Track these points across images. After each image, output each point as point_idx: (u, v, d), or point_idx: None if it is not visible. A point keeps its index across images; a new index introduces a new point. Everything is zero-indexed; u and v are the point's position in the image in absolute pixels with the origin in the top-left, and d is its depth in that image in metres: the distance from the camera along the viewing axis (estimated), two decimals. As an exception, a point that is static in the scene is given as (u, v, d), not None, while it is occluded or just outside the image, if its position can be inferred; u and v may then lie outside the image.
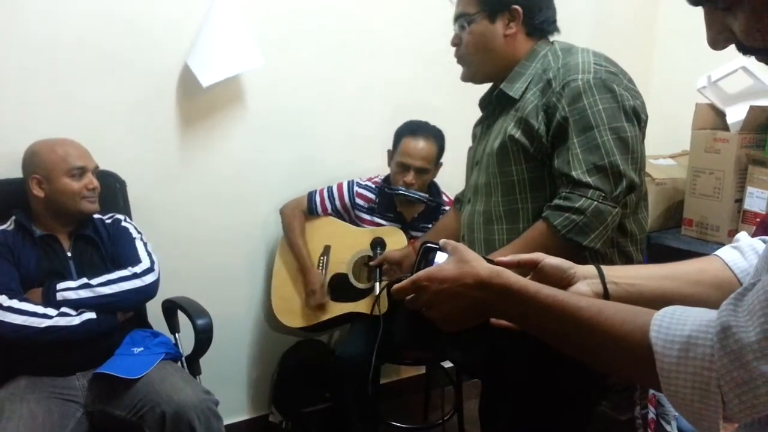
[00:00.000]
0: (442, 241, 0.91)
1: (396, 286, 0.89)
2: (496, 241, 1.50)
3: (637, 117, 1.41)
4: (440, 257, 0.91)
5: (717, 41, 0.64)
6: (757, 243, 0.89)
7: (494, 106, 1.59)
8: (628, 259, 1.48)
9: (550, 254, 0.98)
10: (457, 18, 1.54)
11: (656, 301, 0.72)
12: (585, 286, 0.91)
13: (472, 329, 0.87)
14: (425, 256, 0.93)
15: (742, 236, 0.93)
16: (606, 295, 0.90)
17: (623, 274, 0.93)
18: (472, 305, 0.83)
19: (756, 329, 0.59)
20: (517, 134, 1.44)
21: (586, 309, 0.74)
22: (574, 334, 0.76)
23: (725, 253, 0.91)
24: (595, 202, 1.33)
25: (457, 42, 1.56)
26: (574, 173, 1.35)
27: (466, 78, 1.61)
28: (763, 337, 0.59)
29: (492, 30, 1.50)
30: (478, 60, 1.54)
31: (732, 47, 0.66)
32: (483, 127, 1.65)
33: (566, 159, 1.37)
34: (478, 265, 0.84)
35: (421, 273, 0.87)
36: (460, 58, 1.57)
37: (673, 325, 0.66)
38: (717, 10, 0.62)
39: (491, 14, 1.49)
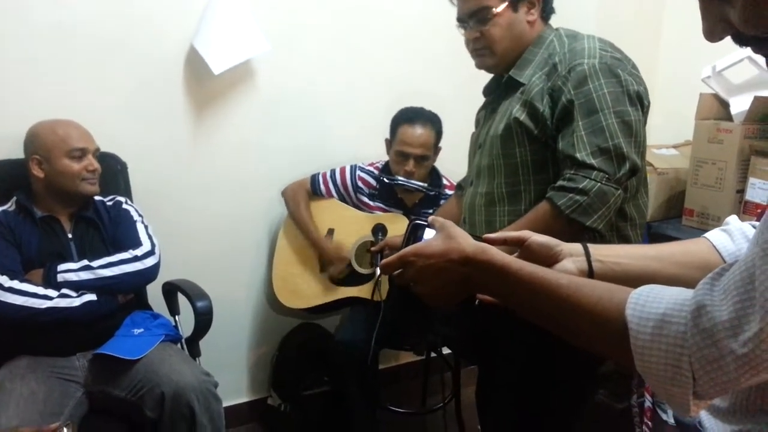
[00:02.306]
0: (430, 218, 0.93)
1: (384, 261, 0.91)
2: (497, 223, 1.52)
3: (641, 102, 1.44)
4: (428, 234, 0.92)
5: (713, 32, 0.63)
6: (747, 227, 0.89)
7: (500, 91, 1.60)
8: (627, 243, 1.49)
9: (553, 235, 0.98)
10: (474, 13, 1.52)
11: (641, 280, 0.73)
12: (570, 263, 0.92)
13: (458, 304, 0.89)
14: (414, 233, 0.94)
15: (732, 219, 0.93)
16: (591, 273, 0.91)
17: (609, 253, 0.93)
18: (457, 280, 0.85)
19: (729, 308, 0.60)
20: (522, 116, 1.46)
21: (565, 286, 0.75)
22: (553, 310, 0.77)
23: (714, 235, 0.91)
24: (599, 184, 1.35)
25: (477, 35, 1.54)
26: (578, 155, 1.37)
27: (488, 67, 1.61)
28: (735, 315, 0.59)
29: (516, 18, 1.52)
30: (504, 48, 1.54)
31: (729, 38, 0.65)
32: (487, 111, 1.67)
33: (571, 141, 1.39)
34: (464, 241, 0.85)
35: (409, 248, 0.88)
36: (481, 50, 1.56)
37: (648, 303, 0.67)
38: None
39: (513, 3, 1.51)
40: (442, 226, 0.89)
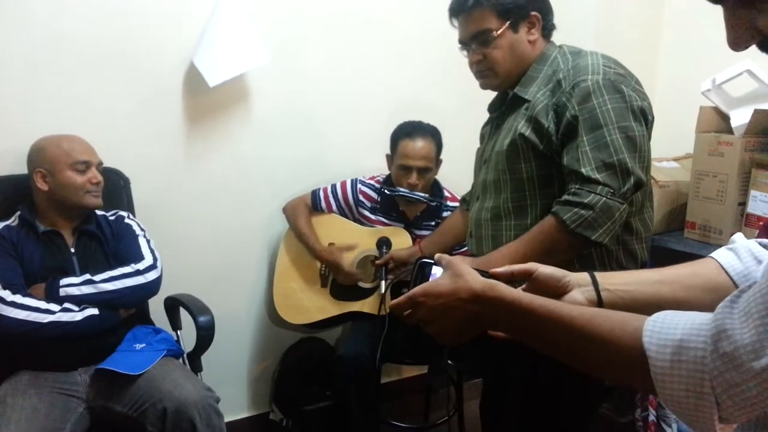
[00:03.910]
0: (436, 256, 0.93)
1: (393, 302, 0.90)
2: (503, 237, 1.52)
3: (645, 117, 1.44)
4: (436, 271, 0.92)
5: (739, 41, 0.62)
6: (754, 245, 0.89)
7: (505, 107, 1.62)
8: (633, 258, 1.50)
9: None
10: (476, 36, 1.54)
11: (650, 306, 0.72)
12: (579, 294, 0.92)
13: (470, 341, 0.88)
14: (421, 272, 0.94)
15: (738, 237, 0.92)
16: (600, 302, 0.91)
17: (617, 281, 0.93)
18: (467, 319, 0.84)
19: (751, 331, 0.60)
20: (527, 132, 1.47)
21: (578, 318, 0.75)
22: (567, 342, 0.76)
23: (720, 255, 0.90)
24: (604, 198, 1.36)
25: (479, 58, 1.56)
26: (583, 170, 1.38)
27: (493, 87, 1.63)
28: (758, 339, 0.59)
29: (517, 39, 1.54)
30: (507, 69, 1.56)
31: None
32: (492, 127, 1.69)
33: (576, 156, 1.40)
34: (472, 279, 0.84)
35: (417, 289, 0.88)
36: (485, 71, 1.58)
37: (665, 330, 0.66)
38: (741, 5, 0.60)
39: (513, 24, 1.52)
40: (449, 263, 0.88)
